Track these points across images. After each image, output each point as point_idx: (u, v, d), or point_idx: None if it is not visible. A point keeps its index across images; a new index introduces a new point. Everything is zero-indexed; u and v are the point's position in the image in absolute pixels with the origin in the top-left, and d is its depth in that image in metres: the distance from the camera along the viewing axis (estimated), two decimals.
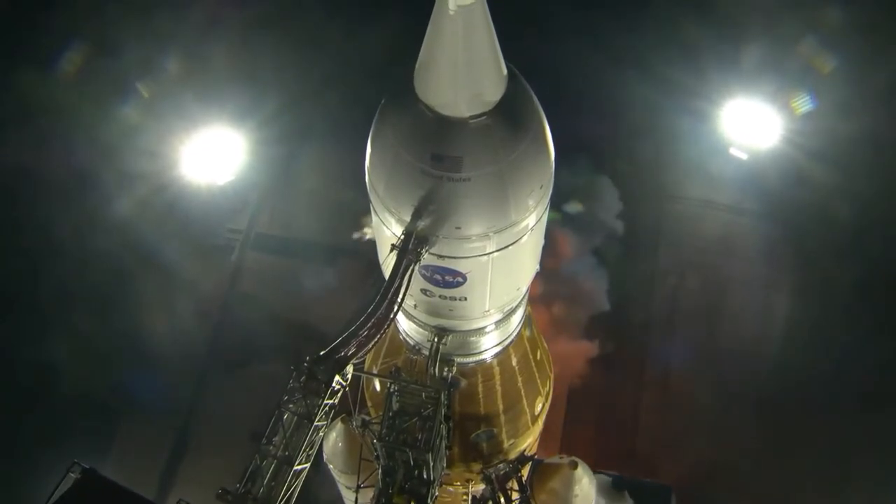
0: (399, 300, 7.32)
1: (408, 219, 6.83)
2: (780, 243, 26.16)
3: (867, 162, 22.35)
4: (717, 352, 24.58)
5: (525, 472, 11.57)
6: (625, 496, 18.53)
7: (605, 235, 25.83)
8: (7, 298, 22.23)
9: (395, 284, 7.19)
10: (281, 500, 7.33)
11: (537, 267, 8.58)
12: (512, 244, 7.18)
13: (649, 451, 23.37)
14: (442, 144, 6.27)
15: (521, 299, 9.10)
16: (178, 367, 23.89)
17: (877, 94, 22.06)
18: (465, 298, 7.90)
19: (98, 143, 22.87)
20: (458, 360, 9.36)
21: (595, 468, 12.16)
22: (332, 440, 11.54)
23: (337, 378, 7.44)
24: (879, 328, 22.20)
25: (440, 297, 7.91)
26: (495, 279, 7.67)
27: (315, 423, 7.42)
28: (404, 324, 9.41)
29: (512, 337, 9.74)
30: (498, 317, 8.77)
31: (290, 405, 7.47)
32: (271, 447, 7.43)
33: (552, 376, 11.83)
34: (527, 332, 10.32)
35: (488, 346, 9.51)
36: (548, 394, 11.67)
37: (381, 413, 8.57)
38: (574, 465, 11.20)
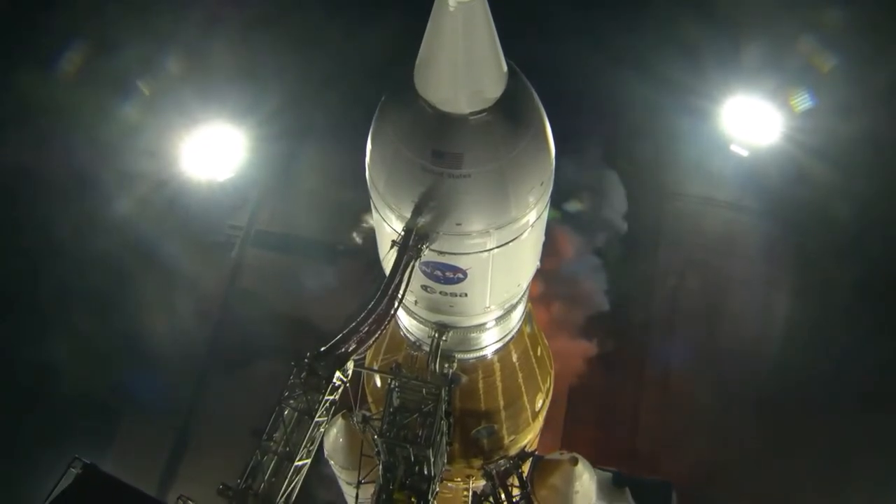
0: (399, 296, 7.32)
1: (408, 215, 6.83)
2: (780, 242, 26.17)
3: (867, 162, 22.37)
4: (717, 352, 24.53)
5: (526, 468, 11.59)
6: (625, 493, 18.44)
7: (605, 235, 25.79)
8: (7, 298, 22.21)
9: (396, 281, 7.19)
10: (282, 496, 7.34)
11: (538, 263, 8.59)
12: (512, 241, 7.19)
13: (649, 450, 23.33)
14: (442, 141, 6.27)
15: (522, 296, 9.10)
16: (178, 366, 23.87)
17: (877, 94, 22.07)
18: (466, 295, 7.91)
19: (98, 142, 22.88)
20: (459, 356, 9.39)
21: (595, 467, 12.15)
22: (333, 436, 11.56)
23: (338, 374, 7.45)
24: (879, 328, 22.17)
25: (441, 293, 7.92)
26: (496, 275, 7.67)
27: (316, 419, 7.43)
28: (405, 320, 9.41)
29: (512, 333, 9.75)
30: (498, 313, 8.78)
31: (291, 401, 7.48)
32: (272, 443, 7.45)
33: (552, 373, 11.85)
34: (527, 329, 10.33)
35: (489, 342, 9.52)
36: (548, 390, 11.69)
37: (381, 409, 8.56)
38: (575, 462, 11.21)
